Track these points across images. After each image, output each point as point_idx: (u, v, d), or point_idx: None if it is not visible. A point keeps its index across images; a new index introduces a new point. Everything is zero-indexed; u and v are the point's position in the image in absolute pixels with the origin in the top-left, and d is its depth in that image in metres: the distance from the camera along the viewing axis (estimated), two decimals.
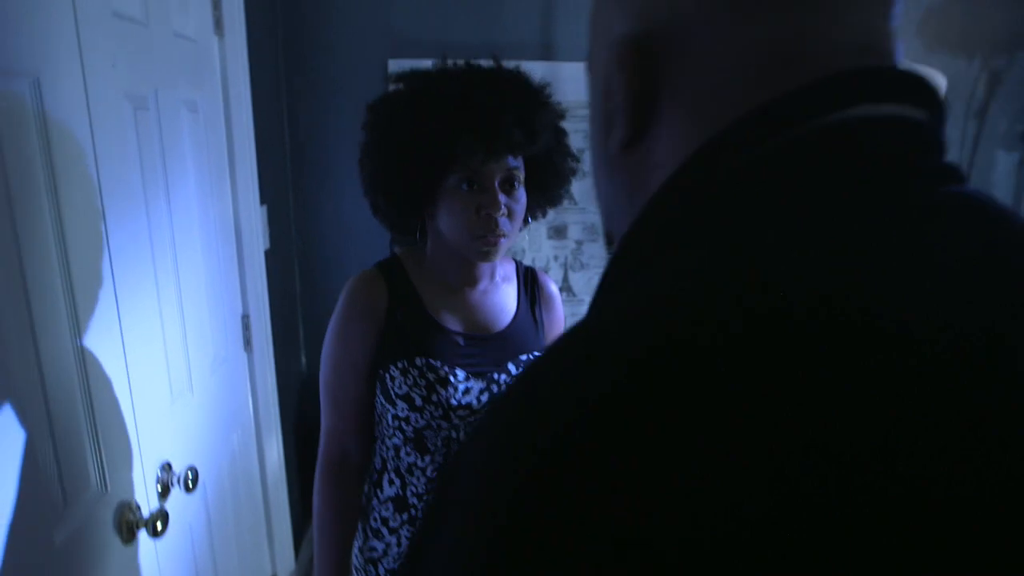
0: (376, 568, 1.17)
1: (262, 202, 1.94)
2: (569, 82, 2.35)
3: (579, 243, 2.47)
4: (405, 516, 1.14)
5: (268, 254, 2.01)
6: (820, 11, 0.33)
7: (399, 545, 1.15)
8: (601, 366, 0.26)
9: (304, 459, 2.51)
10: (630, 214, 0.39)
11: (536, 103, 1.05)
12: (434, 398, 1.07)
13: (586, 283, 2.49)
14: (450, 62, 1.08)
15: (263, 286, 1.94)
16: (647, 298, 0.30)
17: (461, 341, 1.12)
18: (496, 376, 1.12)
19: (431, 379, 1.07)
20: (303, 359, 2.54)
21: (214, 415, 1.63)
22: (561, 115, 1.12)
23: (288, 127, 2.32)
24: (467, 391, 1.09)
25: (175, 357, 1.40)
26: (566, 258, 2.46)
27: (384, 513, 1.16)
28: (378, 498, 1.17)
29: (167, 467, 1.32)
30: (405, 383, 1.08)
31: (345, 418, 1.17)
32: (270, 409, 2.01)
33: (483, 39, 2.28)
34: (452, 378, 1.08)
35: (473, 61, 1.08)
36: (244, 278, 1.85)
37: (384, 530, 1.16)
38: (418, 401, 1.07)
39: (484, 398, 1.11)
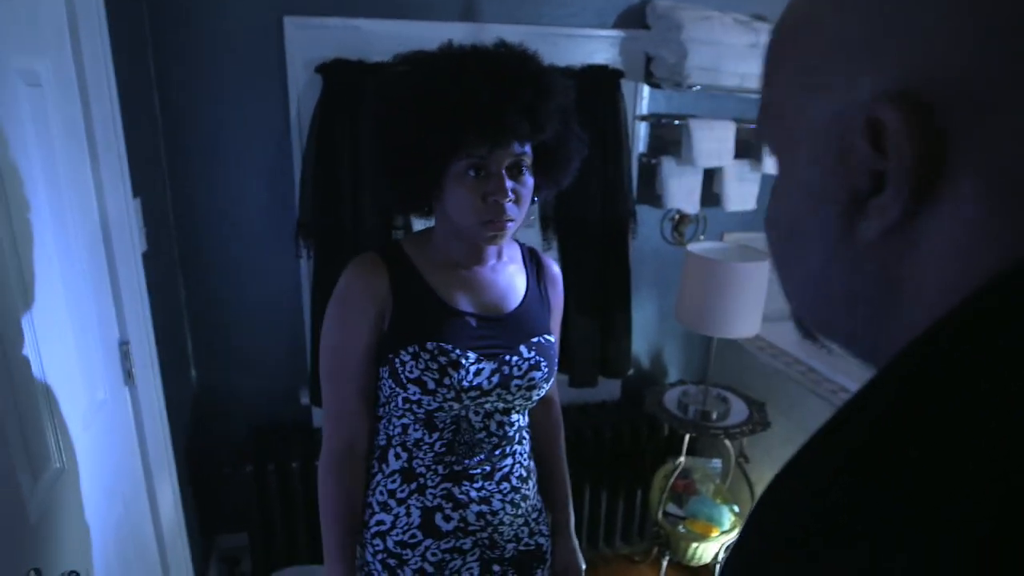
0: (384, 541, 1.16)
1: (135, 194, 1.55)
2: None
3: None
4: (413, 486, 1.15)
5: (146, 258, 1.62)
6: None
7: (408, 516, 1.15)
8: None
9: (202, 488, 2.14)
10: (883, 317, 0.35)
11: (543, 90, 1.02)
12: (446, 381, 1.08)
13: None
14: (456, 44, 1.04)
15: (143, 300, 1.55)
16: None
17: (473, 323, 1.13)
18: (507, 357, 1.13)
19: (443, 362, 1.08)
20: (192, 372, 2.15)
21: (93, 483, 1.26)
22: (570, 96, 1.09)
23: (159, 101, 1.89)
24: (479, 372, 1.10)
25: (31, 423, 1.03)
26: None
27: (391, 486, 1.17)
28: (383, 472, 1.18)
29: None
30: (417, 367, 1.08)
31: (350, 402, 1.15)
32: (161, 449, 1.64)
33: None
34: (464, 360, 1.09)
35: (479, 44, 1.03)
36: (119, 293, 1.46)
37: (392, 502, 1.16)
38: (430, 384, 1.08)
39: (495, 379, 1.12)
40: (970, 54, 0.29)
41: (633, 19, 2.16)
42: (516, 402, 1.16)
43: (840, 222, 0.35)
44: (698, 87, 2.10)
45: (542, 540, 1.28)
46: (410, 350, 1.08)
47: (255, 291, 2.12)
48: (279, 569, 2.09)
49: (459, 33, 2.01)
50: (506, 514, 1.19)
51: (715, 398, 2.23)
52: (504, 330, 1.14)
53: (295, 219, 2.01)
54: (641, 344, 2.54)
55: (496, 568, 1.21)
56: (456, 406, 1.11)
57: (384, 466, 1.17)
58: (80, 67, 1.32)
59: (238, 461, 2.07)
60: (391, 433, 1.16)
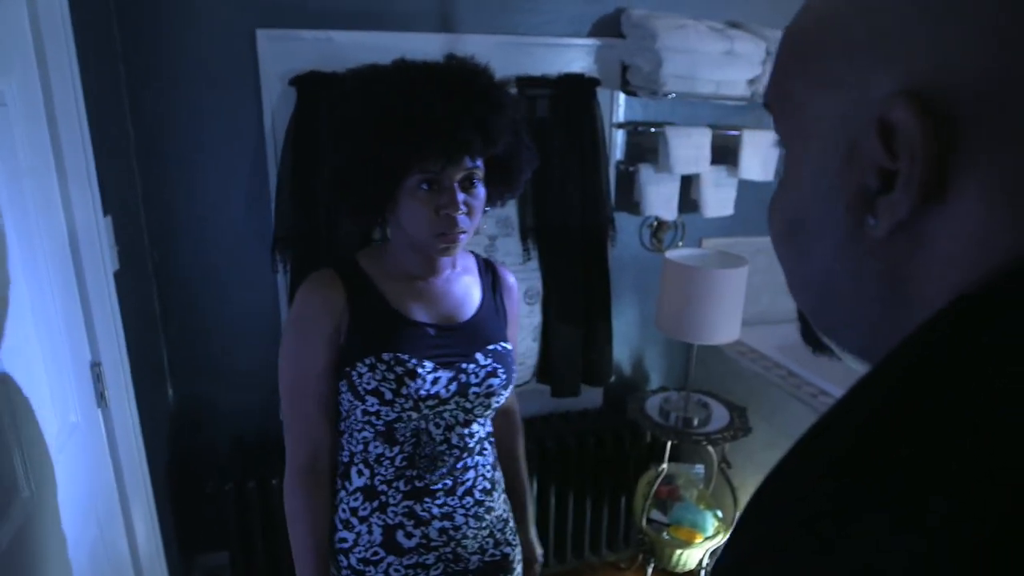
0: (347, 558, 1.18)
1: (105, 213, 1.52)
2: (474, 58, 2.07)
3: (492, 239, 2.21)
4: (375, 503, 1.16)
5: (118, 276, 1.59)
6: None
7: (370, 533, 1.16)
8: None
9: (182, 506, 2.11)
10: (887, 316, 0.35)
11: (495, 105, 1.04)
12: (403, 391, 1.09)
13: None
14: (408, 60, 1.06)
15: (115, 319, 1.52)
16: None
17: (430, 332, 1.14)
18: (464, 366, 1.15)
19: (399, 372, 1.09)
20: (169, 390, 2.12)
21: (66, 507, 1.24)
22: (520, 110, 1.13)
23: (131, 116, 1.87)
24: (436, 381, 1.11)
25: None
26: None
27: (353, 504, 1.17)
28: (346, 489, 1.18)
29: None
30: (374, 378, 1.09)
31: (312, 421, 1.15)
32: (136, 470, 1.61)
33: (370, 7, 1.94)
34: (420, 370, 1.10)
35: (431, 60, 1.06)
36: (90, 312, 1.44)
37: (354, 520, 1.17)
38: (388, 395, 1.09)
39: (453, 387, 1.13)
40: (982, 57, 0.29)
41: (608, 28, 2.16)
42: (475, 410, 1.17)
43: (848, 219, 0.35)
44: (674, 95, 2.11)
45: (508, 550, 1.28)
46: (367, 362, 1.09)
47: (232, 306, 2.10)
48: None
49: (435, 44, 2.01)
50: (469, 528, 1.20)
51: (696, 404, 2.23)
52: (460, 339, 1.16)
53: (271, 232, 1.99)
54: (622, 351, 2.55)
55: None
56: (415, 416, 1.11)
57: (347, 483, 1.18)
58: (47, 85, 1.30)
59: (218, 478, 2.04)
60: (353, 449, 1.17)
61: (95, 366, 1.44)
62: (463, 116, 0.99)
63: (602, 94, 2.16)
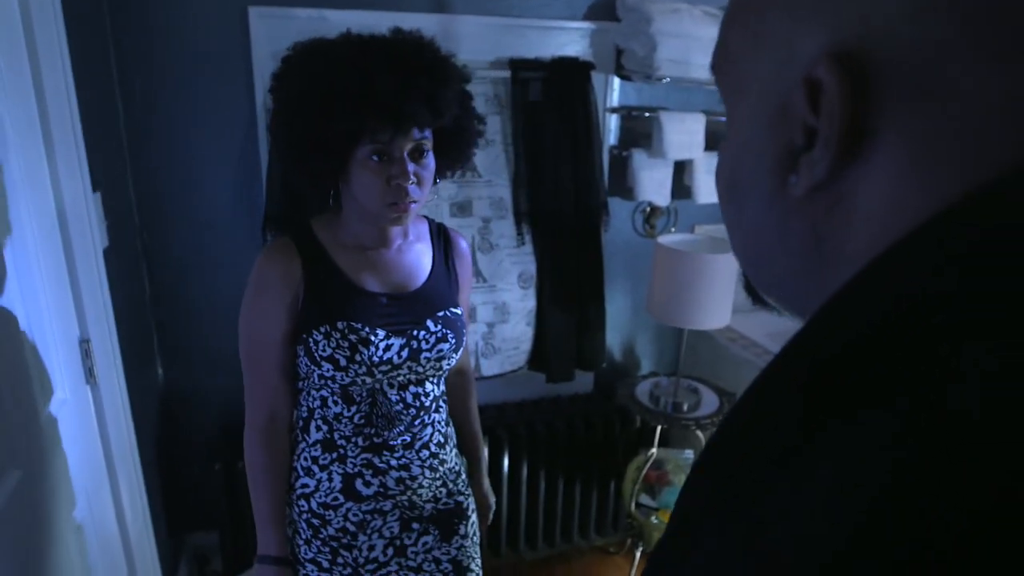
0: (308, 502, 1.24)
1: (95, 188, 1.51)
2: (468, 39, 2.06)
3: (486, 221, 2.20)
4: (334, 455, 1.22)
5: (108, 253, 1.58)
6: None
7: (330, 480, 1.23)
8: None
9: (171, 487, 2.11)
10: (810, 271, 0.35)
11: (442, 77, 1.08)
12: (357, 358, 1.14)
13: (496, 266, 2.23)
14: (354, 33, 1.10)
15: (104, 296, 1.51)
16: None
17: (382, 301, 1.19)
18: (415, 332, 1.20)
19: (353, 340, 1.14)
20: (159, 370, 2.12)
21: (54, 485, 1.23)
22: (467, 80, 1.16)
23: (121, 93, 1.85)
24: (388, 348, 1.17)
25: None
26: (472, 238, 2.19)
27: (314, 453, 1.23)
28: (306, 441, 1.24)
29: None
30: (328, 346, 1.14)
31: (269, 384, 1.21)
32: (125, 448, 1.60)
33: None
34: (373, 337, 1.15)
35: (376, 33, 1.10)
36: (79, 289, 1.43)
37: (315, 467, 1.23)
38: (342, 362, 1.14)
39: (405, 354, 1.19)
40: (906, 21, 0.30)
41: (603, 11, 2.15)
42: (427, 372, 1.23)
43: (773, 176, 0.36)
44: (668, 79, 2.10)
45: (461, 499, 1.36)
46: (322, 330, 1.14)
47: (223, 285, 2.09)
48: (251, 567, 2.06)
49: (429, 23, 2.00)
50: (424, 478, 1.27)
51: (686, 390, 2.24)
52: (411, 307, 1.21)
53: (262, 211, 1.98)
54: (614, 336, 2.55)
55: (416, 526, 1.29)
56: (369, 380, 1.17)
57: (306, 436, 1.24)
58: (35, 59, 1.28)
59: (207, 459, 2.04)
60: (312, 406, 1.23)
61: (84, 343, 1.44)
62: (410, 88, 1.03)
63: (596, 78, 2.15)
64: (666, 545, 0.33)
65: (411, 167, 1.08)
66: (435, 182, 1.18)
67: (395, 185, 1.08)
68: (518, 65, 2.07)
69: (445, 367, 1.25)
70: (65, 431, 1.33)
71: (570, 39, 2.13)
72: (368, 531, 1.25)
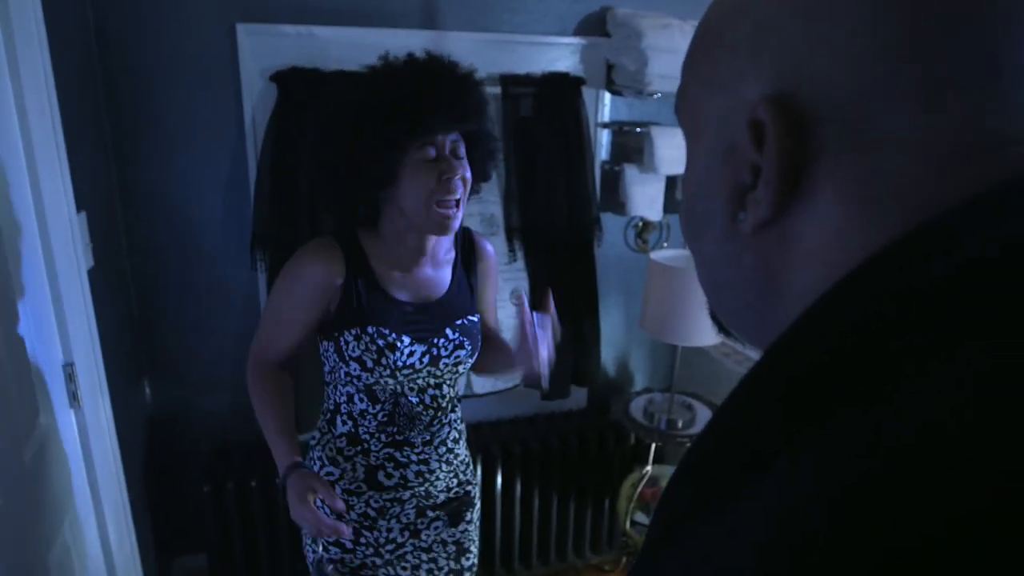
0: (334, 487, 1.33)
1: (79, 209, 1.49)
2: (458, 55, 2.00)
3: None
4: (358, 448, 1.32)
5: (93, 274, 1.56)
6: (1000, 99, 0.30)
7: (354, 471, 1.33)
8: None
9: (159, 509, 2.08)
10: (763, 304, 0.37)
11: (470, 84, 1.22)
12: (384, 361, 1.24)
13: None
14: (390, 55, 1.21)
15: (89, 319, 1.49)
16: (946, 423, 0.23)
17: (409, 309, 1.28)
18: (436, 340, 1.29)
19: (381, 345, 1.24)
20: (147, 391, 2.09)
21: (36, 512, 1.20)
22: (487, 95, 1.29)
23: (108, 112, 1.83)
24: (411, 354, 1.26)
25: None
26: None
27: (339, 444, 1.33)
28: (332, 433, 1.34)
29: None
30: (358, 347, 1.24)
31: (280, 344, 1.31)
32: (110, 472, 1.57)
33: (353, 2, 1.92)
34: (399, 344, 1.25)
35: (411, 54, 1.21)
36: (62, 312, 1.40)
37: (339, 458, 1.33)
38: (369, 363, 1.25)
39: (426, 360, 1.28)
40: (835, 67, 0.32)
41: (593, 27, 2.15)
42: (444, 377, 1.33)
43: (725, 214, 0.37)
44: (659, 94, 2.10)
45: (469, 487, 1.47)
46: (353, 332, 1.24)
47: (212, 305, 2.06)
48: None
49: (419, 41, 1.99)
50: (441, 472, 1.38)
51: (681, 406, 2.22)
52: (433, 315, 1.30)
53: (251, 230, 1.96)
54: (607, 352, 2.53)
55: (430, 513, 1.40)
56: (392, 382, 1.27)
57: (332, 428, 1.34)
58: (17, 80, 1.26)
59: (196, 480, 2.01)
60: (338, 400, 1.33)
61: (67, 366, 1.41)
62: (453, 87, 1.18)
63: (587, 93, 2.14)
64: (648, 550, 0.34)
65: (455, 163, 1.18)
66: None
67: (445, 180, 1.17)
68: (509, 81, 2.06)
69: (461, 371, 1.36)
70: (48, 456, 1.30)
71: (561, 55, 2.13)
72: (387, 516, 1.36)
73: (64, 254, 1.39)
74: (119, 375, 1.73)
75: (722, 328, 0.44)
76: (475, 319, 1.36)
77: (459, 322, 1.32)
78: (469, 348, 1.33)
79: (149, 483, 2.01)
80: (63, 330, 1.40)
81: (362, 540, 1.36)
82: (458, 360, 1.32)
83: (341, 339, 1.25)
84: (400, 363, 1.25)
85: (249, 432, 2.17)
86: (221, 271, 2.04)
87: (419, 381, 1.30)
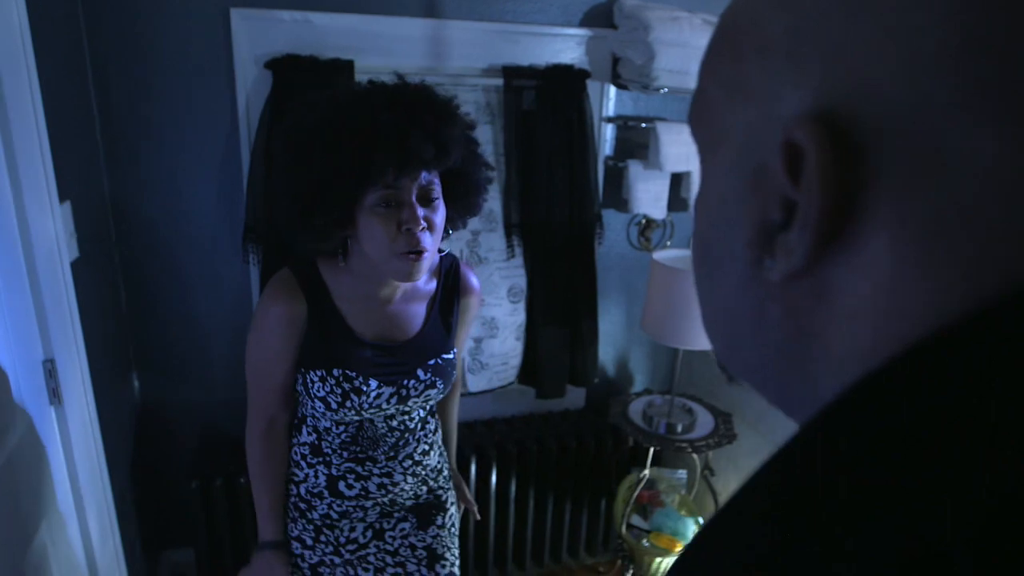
0: (297, 488, 1.31)
1: (62, 199, 1.44)
2: (459, 45, 1.99)
3: (475, 234, 2.13)
4: (319, 459, 1.28)
5: (77, 266, 1.51)
6: None
7: (316, 477, 1.29)
8: None
9: (147, 504, 2.04)
10: (790, 364, 0.29)
11: (444, 117, 1.07)
12: (348, 404, 1.19)
13: (485, 280, 2.16)
14: (357, 82, 1.19)
15: (72, 313, 1.44)
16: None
17: (378, 351, 1.21)
18: (406, 382, 1.23)
19: (346, 388, 1.18)
20: (135, 385, 2.04)
21: (12, 512, 1.16)
22: (471, 126, 1.15)
23: (97, 98, 1.78)
24: (379, 396, 1.21)
25: None
26: (461, 251, 2.12)
27: (303, 451, 1.30)
28: (298, 440, 1.31)
29: None
30: (323, 388, 1.19)
31: (271, 400, 1.26)
32: (93, 470, 1.53)
33: None
34: (365, 388, 1.19)
35: (376, 79, 1.10)
36: (42, 306, 1.35)
37: (303, 463, 1.30)
38: (334, 404, 1.19)
39: (393, 400, 1.23)
40: (904, 76, 0.24)
41: (600, 18, 2.08)
42: (412, 411, 1.29)
43: (748, 252, 0.30)
44: (666, 89, 2.04)
45: (440, 492, 1.41)
46: (318, 373, 1.18)
47: (202, 298, 2.02)
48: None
49: (419, 29, 1.93)
50: (406, 483, 1.32)
51: (680, 409, 2.18)
52: (404, 356, 1.23)
53: (243, 221, 1.90)
54: (606, 352, 2.49)
55: (396, 514, 1.35)
56: (357, 419, 1.23)
57: (298, 435, 1.31)
58: None
59: (184, 476, 1.97)
60: (305, 412, 1.29)
61: (47, 363, 1.36)
62: (412, 127, 1.01)
63: (592, 87, 2.08)
64: None
65: (421, 212, 1.06)
66: (447, 233, 1.16)
67: (406, 231, 1.05)
68: (511, 72, 2.00)
69: (431, 405, 1.31)
70: (24, 455, 1.26)
71: (565, 46, 2.06)
72: (351, 518, 1.31)
73: (44, 246, 1.35)
74: (105, 370, 1.68)
75: (732, 378, 0.37)
76: (450, 356, 1.29)
77: (431, 362, 1.25)
78: (441, 387, 1.28)
79: (136, 478, 1.98)
80: (43, 324, 1.36)
81: (322, 538, 1.32)
82: (428, 397, 1.28)
83: (306, 377, 1.20)
84: (367, 404, 1.20)
85: (237, 428, 2.13)
86: (212, 263, 1.99)
87: (387, 412, 1.25)
